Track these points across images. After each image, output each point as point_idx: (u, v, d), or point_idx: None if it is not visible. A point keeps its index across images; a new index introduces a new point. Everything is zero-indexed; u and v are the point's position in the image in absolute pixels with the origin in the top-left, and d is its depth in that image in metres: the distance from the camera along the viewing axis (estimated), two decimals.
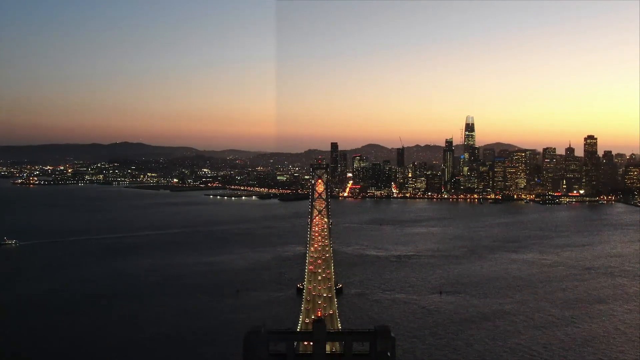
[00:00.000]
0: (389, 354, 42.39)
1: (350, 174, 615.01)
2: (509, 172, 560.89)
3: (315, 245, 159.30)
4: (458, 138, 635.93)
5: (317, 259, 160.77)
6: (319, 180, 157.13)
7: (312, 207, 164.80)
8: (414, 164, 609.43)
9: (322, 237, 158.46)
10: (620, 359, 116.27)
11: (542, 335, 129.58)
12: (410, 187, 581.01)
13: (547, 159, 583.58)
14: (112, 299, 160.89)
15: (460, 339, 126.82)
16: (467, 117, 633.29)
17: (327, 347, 47.10)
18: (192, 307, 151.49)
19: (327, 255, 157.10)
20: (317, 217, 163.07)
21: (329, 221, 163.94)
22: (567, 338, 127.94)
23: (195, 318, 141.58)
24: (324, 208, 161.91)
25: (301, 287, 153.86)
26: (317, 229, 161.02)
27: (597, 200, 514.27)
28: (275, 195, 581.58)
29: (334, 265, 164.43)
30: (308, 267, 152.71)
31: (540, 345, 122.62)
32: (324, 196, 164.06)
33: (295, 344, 55.34)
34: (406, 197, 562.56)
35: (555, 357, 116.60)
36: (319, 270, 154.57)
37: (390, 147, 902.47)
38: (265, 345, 43.11)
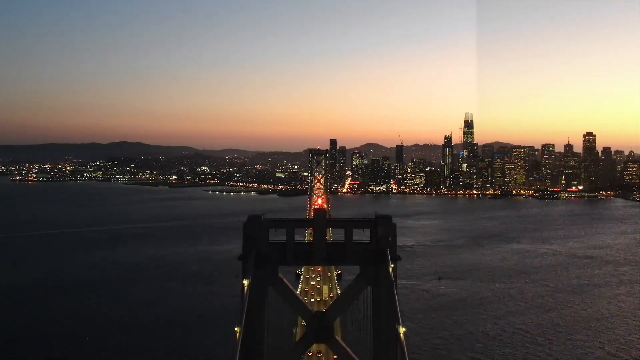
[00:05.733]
0: (390, 238, 42.00)
1: (349, 172, 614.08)
2: (507, 168, 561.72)
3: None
4: (457, 137, 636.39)
5: None
6: (319, 176, 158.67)
7: (312, 193, 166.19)
8: (412, 161, 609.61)
9: None
10: (612, 340, 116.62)
11: (536, 317, 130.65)
12: (409, 183, 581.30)
13: (546, 155, 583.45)
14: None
15: (457, 320, 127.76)
16: (466, 114, 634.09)
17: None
18: (192, 291, 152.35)
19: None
20: (316, 201, 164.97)
21: (327, 205, 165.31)
22: (561, 320, 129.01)
23: (195, 300, 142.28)
24: (323, 194, 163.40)
25: (299, 272, 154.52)
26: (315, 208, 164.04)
27: (596, 196, 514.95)
28: (274, 191, 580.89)
29: None
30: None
31: (535, 326, 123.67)
32: (323, 183, 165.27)
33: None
34: (405, 193, 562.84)
35: (547, 336, 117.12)
36: None
37: (389, 146, 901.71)
38: (265, 231, 42.65)
